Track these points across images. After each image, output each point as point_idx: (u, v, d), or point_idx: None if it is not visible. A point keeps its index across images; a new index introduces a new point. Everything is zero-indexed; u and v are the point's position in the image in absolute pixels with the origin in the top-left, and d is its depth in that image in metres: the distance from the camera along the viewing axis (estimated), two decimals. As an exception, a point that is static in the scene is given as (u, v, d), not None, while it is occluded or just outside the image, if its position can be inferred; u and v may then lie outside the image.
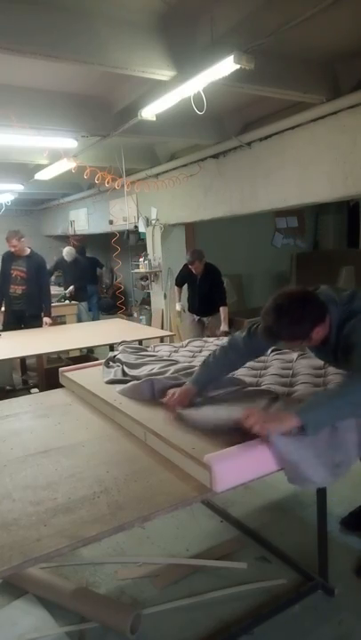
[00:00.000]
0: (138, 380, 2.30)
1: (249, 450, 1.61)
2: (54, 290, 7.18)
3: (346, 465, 1.70)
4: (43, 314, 5.07)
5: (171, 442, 1.75)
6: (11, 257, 5.10)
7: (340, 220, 9.41)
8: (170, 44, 2.92)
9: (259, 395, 2.07)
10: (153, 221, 6.54)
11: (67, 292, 6.71)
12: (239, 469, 1.58)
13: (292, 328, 1.75)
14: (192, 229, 7.33)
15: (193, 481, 1.59)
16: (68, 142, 4.35)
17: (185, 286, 5.32)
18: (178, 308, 5.57)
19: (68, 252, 7.23)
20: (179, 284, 5.42)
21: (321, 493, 2.06)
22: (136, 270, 7.14)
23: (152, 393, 2.17)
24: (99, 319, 7.63)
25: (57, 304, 6.25)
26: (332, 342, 1.85)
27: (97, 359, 4.13)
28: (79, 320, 6.62)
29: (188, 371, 2.33)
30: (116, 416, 2.14)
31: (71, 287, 6.79)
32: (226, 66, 2.63)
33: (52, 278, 7.75)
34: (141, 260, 6.86)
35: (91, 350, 5.64)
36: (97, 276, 8.61)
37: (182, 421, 1.92)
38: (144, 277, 7.65)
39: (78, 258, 7.33)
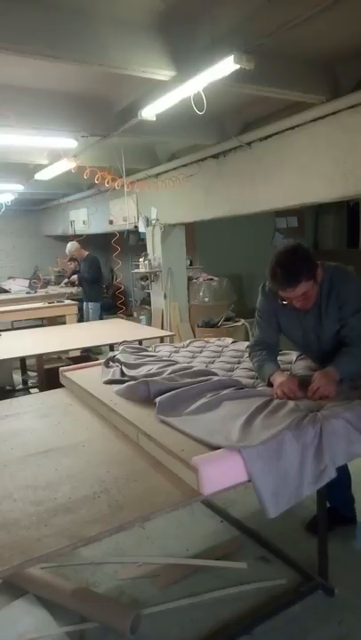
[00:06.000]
0: (135, 380, 2.29)
1: (238, 452, 1.58)
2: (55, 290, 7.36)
3: (330, 469, 1.69)
4: None
5: (161, 443, 1.73)
6: None
7: (340, 220, 9.42)
8: (170, 44, 2.92)
9: (254, 396, 2.05)
10: (153, 221, 6.53)
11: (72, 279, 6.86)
12: (228, 472, 1.55)
13: (307, 263, 1.99)
14: (192, 229, 7.33)
15: (183, 483, 1.57)
16: (68, 142, 4.34)
17: None
18: None
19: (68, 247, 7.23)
20: None
21: (321, 493, 2.06)
22: (136, 270, 7.12)
23: (147, 394, 2.15)
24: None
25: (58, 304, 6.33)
26: (318, 303, 2.12)
27: (97, 359, 4.13)
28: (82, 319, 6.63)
29: (187, 371, 2.32)
30: (111, 416, 2.14)
31: (74, 276, 7.10)
32: (226, 66, 2.63)
33: (54, 280, 7.89)
34: (141, 260, 6.85)
35: (91, 350, 5.63)
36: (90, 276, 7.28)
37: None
38: (144, 277, 7.63)
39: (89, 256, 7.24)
